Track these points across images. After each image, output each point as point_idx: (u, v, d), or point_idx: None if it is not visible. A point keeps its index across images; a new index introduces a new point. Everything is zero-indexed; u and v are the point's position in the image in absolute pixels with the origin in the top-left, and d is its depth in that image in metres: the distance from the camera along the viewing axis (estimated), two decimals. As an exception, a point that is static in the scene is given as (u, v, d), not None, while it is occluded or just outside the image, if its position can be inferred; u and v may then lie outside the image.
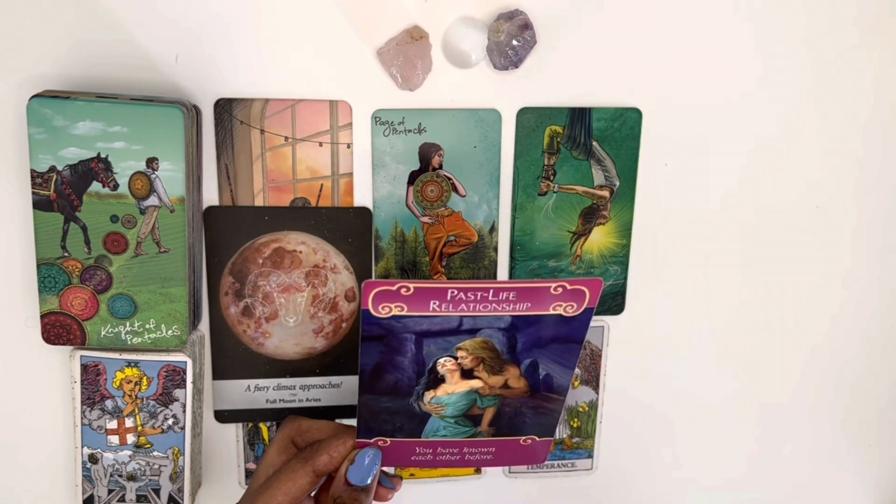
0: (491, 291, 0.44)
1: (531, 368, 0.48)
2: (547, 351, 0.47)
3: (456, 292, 0.44)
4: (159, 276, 0.51)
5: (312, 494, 0.52)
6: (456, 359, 0.47)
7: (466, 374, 0.48)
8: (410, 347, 0.46)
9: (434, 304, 0.44)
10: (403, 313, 0.44)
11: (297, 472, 0.48)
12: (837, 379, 0.65)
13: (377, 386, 0.48)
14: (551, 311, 0.45)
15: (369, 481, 0.48)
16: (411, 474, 0.61)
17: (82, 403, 0.54)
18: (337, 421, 0.52)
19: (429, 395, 0.48)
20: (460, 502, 0.63)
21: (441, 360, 0.47)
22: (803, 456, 0.67)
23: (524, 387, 0.49)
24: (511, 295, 0.44)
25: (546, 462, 0.62)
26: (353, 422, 0.52)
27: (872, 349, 0.64)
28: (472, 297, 0.44)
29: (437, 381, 0.48)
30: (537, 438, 0.51)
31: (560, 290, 0.44)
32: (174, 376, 0.54)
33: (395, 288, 0.43)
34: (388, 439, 0.49)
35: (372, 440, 0.49)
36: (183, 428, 0.55)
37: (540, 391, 0.49)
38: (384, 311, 0.44)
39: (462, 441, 0.50)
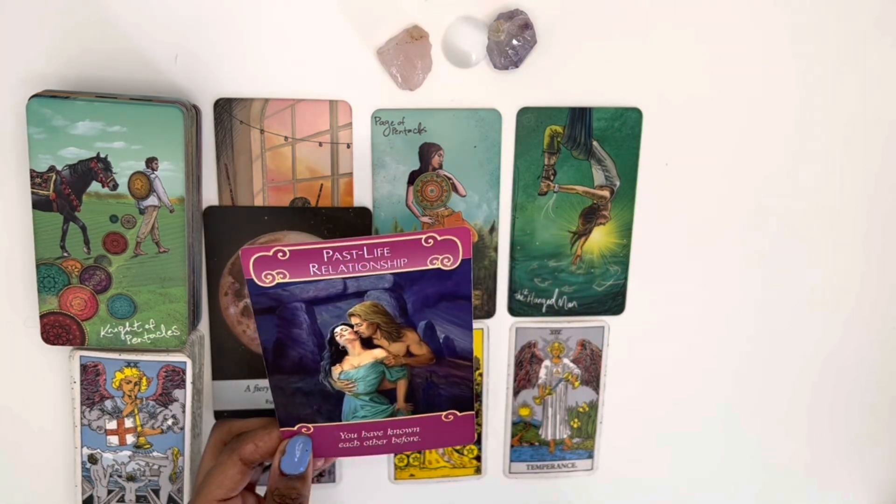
0: (365, 248, 0.45)
1: (429, 331, 0.49)
2: (438, 310, 0.49)
3: (331, 252, 0.45)
4: (159, 276, 0.51)
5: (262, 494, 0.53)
6: (351, 326, 0.49)
7: (367, 343, 0.49)
8: (304, 318, 0.48)
9: (313, 266, 0.46)
10: (286, 280, 0.46)
11: (225, 465, 0.50)
12: (838, 379, 0.65)
13: (282, 364, 0.49)
14: (429, 266, 0.47)
15: (302, 469, 0.49)
16: (411, 474, 0.61)
17: (82, 404, 0.54)
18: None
19: (336, 370, 0.50)
20: (460, 502, 0.63)
21: (338, 330, 0.49)
22: (803, 456, 0.67)
23: (427, 353, 0.50)
24: (385, 251, 0.46)
25: (547, 462, 0.62)
26: None
27: (873, 349, 0.64)
28: (349, 256, 0.46)
29: (340, 354, 0.49)
30: (458, 413, 0.52)
31: (431, 241, 0.46)
32: (174, 376, 0.54)
33: (271, 253, 0.45)
34: (310, 426, 0.51)
35: (296, 428, 0.51)
36: (182, 428, 0.55)
37: (445, 357, 0.50)
38: (268, 279, 0.46)
39: (384, 422, 0.51)
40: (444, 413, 0.52)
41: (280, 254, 0.45)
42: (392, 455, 0.61)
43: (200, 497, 0.49)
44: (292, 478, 0.49)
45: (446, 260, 0.47)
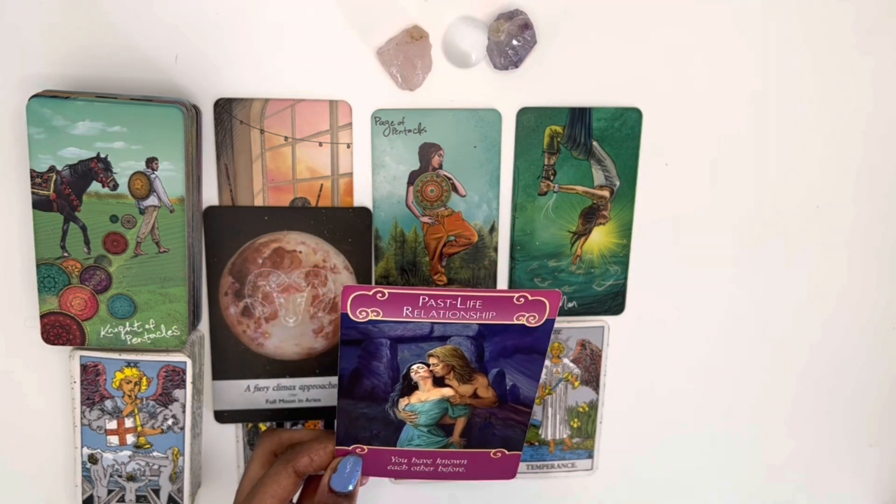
0: (459, 299, 0.47)
1: (499, 378, 0.51)
2: (512, 361, 0.50)
3: (427, 299, 0.47)
4: (159, 277, 0.51)
5: (295, 501, 0.53)
6: (428, 366, 0.50)
7: (438, 382, 0.51)
8: (386, 353, 0.49)
9: (407, 309, 0.47)
10: (379, 318, 0.48)
11: (279, 475, 0.50)
12: (837, 379, 0.65)
13: (355, 391, 0.50)
14: (515, 321, 0.48)
15: (351, 487, 0.50)
16: (411, 474, 0.62)
17: (82, 404, 0.54)
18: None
19: (403, 402, 0.51)
20: (460, 502, 0.63)
21: (414, 367, 0.50)
22: (803, 456, 0.67)
23: (493, 397, 0.52)
24: (477, 303, 0.48)
25: (547, 462, 0.62)
26: None
27: (872, 349, 0.64)
28: (442, 304, 0.47)
29: (410, 388, 0.51)
30: (507, 452, 0.54)
31: (522, 300, 0.48)
32: (174, 376, 0.54)
33: (371, 293, 0.47)
34: (365, 447, 0.52)
35: (350, 447, 0.52)
36: (182, 428, 0.55)
37: (508, 402, 0.52)
38: (361, 315, 0.47)
39: (435, 451, 0.53)
40: (493, 450, 0.54)
41: (379, 294, 0.47)
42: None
43: None
44: (340, 495, 0.50)
45: (532, 318, 0.48)
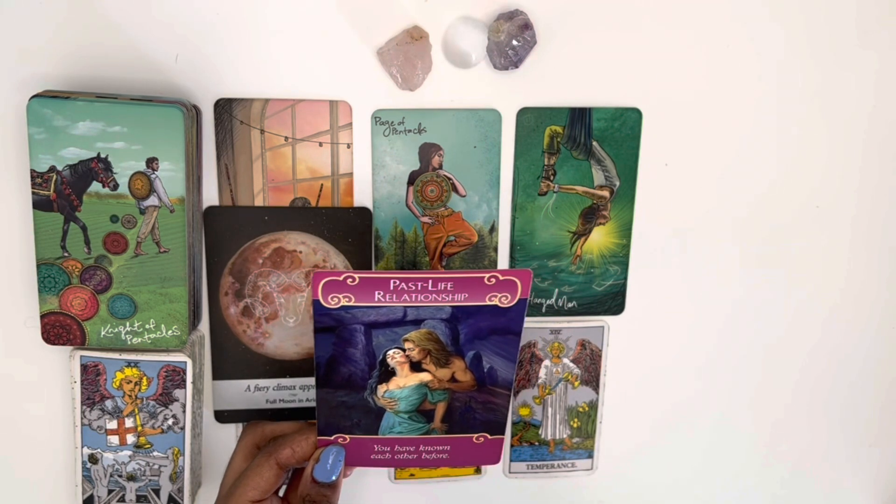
0: (430, 282, 0.48)
1: (475, 361, 0.51)
2: (488, 342, 0.51)
3: (398, 282, 0.47)
4: (159, 277, 0.51)
5: (282, 495, 0.54)
6: (404, 350, 0.51)
7: (415, 367, 0.51)
8: (360, 339, 0.50)
9: (379, 293, 0.48)
10: (351, 304, 0.48)
11: (262, 467, 0.51)
12: (837, 379, 0.65)
13: (332, 379, 0.51)
14: (487, 302, 0.49)
15: (334, 478, 0.51)
16: (411, 474, 0.62)
17: (82, 403, 0.54)
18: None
19: (381, 388, 0.52)
20: (460, 502, 0.63)
21: (390, 353, 0.51)
22: (802, 456, 0.67)
23: (471, 380, 0.52)
24: (449, 285, 0.48)
25: (546, 461, 0.62)
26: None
27: (872, 349, 0.64)
28: (413, 287, 0.48)
29: (388, 374, 0.51)
30: (489, 436, 0.54)
31: (493, 280, 0.48)
32: (174, 376, 0.54)
33: (341, 278, 0.47)
34: (347, 437, 0.52)
35: (332, 437, 0.52)
36: (183, 428, 0.55)
37: (486, 385, 0.52)
38: (333, 301, 0.48)
39: (418, 438, 0.53)
40: (475, 435, 0.54)
41: (350, 279, 0.47)
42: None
43: (234, 498, 0.50)
44: (323, 485, 0.50)
45: (504, 298, 0.49)
